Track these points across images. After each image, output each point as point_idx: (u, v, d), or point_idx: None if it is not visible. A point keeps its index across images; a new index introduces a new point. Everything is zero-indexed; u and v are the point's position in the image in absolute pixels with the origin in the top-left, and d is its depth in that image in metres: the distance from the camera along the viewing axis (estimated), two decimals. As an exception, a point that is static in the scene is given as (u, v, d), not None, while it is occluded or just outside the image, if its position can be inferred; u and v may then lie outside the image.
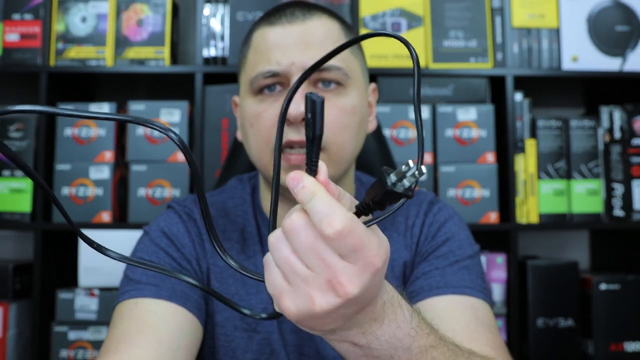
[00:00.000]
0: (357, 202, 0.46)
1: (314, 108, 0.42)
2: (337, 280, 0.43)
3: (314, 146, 0.43)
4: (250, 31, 0.82)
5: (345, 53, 0.79)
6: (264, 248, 0.83)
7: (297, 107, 0.71)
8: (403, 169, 0.41)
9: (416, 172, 0.41)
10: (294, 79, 0.74)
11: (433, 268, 0.79)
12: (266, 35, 0.77)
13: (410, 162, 0.42)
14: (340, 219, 0.41)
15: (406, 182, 0.41)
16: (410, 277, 0.82)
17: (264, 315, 0.52)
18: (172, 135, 0.41)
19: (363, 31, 1.53)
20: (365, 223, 0.44)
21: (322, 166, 0.45)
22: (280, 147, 0.48)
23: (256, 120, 0.77)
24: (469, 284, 0.77)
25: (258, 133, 0.77)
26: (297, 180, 0.44)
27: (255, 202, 0.88)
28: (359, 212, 0.44)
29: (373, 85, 0.88)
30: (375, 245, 0.43)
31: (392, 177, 0.41)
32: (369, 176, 0.95)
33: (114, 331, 0.72)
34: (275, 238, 0.45)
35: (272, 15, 0.79)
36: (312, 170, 0.44)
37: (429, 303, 0.75)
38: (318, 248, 0.42)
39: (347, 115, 0.77)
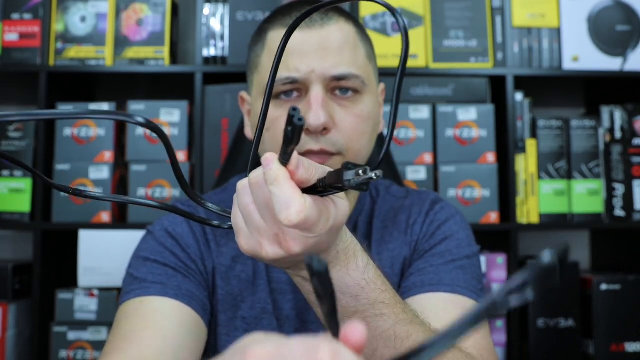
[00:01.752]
0: (327, 172, 0.50)
1: (294, 130, 0.45)
2: (284, 237, 0.49)
3: (288, 148, 0.47)
4: (264, 30, 0.81)
5: (363, 59, 0.79)
6: None
7: (317, 118, 0.72)
8: (360, 172, 0.45)
9: (373, 175, 0.44)
10: (313, 86, 0.74)
11: (428, 265, 0.79)
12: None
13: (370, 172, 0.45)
14: (297, 212, 0.46)
15: (360, 180, 0.45)
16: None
17: (225, 227, 0.59)
18: (139, 119, 0.43)
19: (363, 31, 1.53)
20: (325, 192, 0.49)
21: (294, 158, 0.48)
22: (264, 121, 0.53)
23: (272, 124, 0.76)
24: (463, 283, 0.77)
25: (274, 138, 0.76)
26: (268, 162, 0.49)
27: None
28: (316, 187, 0.49)
29: (382, 86, 0.89)
30: (324, 221, 0.49)
31: (349, 174, 0.45)
32: (397, 187, 0.95)
33: (118, 330, 0.72)
34: (241, 185, 0.52)
35: (287, 16, 0.78)
36: (285, 160, 0.48)
37: (419, 299, 0.75)
38: (272, 207, 0.48)
39: (363, 122, 0.77)
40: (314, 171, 0.50)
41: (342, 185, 0.45)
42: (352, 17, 0.82)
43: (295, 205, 0.46)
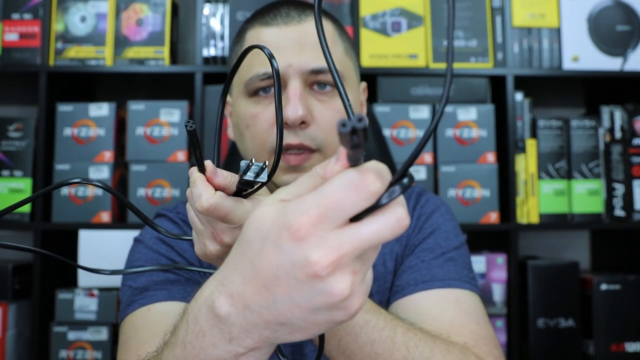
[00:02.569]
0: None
1: (193, 139, 0.53)
2: (217, 234, 0.56)
3: (199, 161, 0.56)
4: (243, 30, 0.81)
5: (341, 54, 0.79)
6: None
7: (295, 111, 0.72)
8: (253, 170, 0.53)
9: (261, 177, 0.53)
10: (291, 81, 0.74)
11: (419, 261, 0.79)
12: (261, 36, 0.76)
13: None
14: (206, 199, 0.53)
15: (250, 177, 0.53)
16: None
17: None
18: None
19: (363, 31, 1.53)
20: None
21: (208, 164, 0.56)
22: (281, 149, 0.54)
23: (252, 121, 0.77)
24: (454, 275, 0.77)
25: (255, 135, 0.77)
26: (190, 172, 0.57)
27: None
28: (239, 190, 0.56)
29: (364, 85, 0.88)
30: (241, 211, 0.54)
31: (249, 175, 0.53)
32: None
33: (129, 344, 0.69)
34: (188, 205, 0.60)
35: (265, 15, 0.78)
36: (201, 167, 0.56)
37: (414, 299, 0.75)
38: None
39: (341, 117, 0.76)
40: (232, 179, 0.56)
41: (244, 182, 0.54)
42: (332, 15, 0.82)
43: (205, 194, 0.53)
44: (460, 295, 0.75)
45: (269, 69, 0.74)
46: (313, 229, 0.35)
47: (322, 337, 0.53)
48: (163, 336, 0.53)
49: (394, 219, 0.35)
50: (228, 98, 0.86)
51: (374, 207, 0.36)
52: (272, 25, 0.76)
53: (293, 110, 0.72)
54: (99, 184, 0.58)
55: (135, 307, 0.73)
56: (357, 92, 0.83)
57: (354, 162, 0.36)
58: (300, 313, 0.37)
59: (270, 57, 0.52)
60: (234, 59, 0.82)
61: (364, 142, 0.35)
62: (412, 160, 0.37)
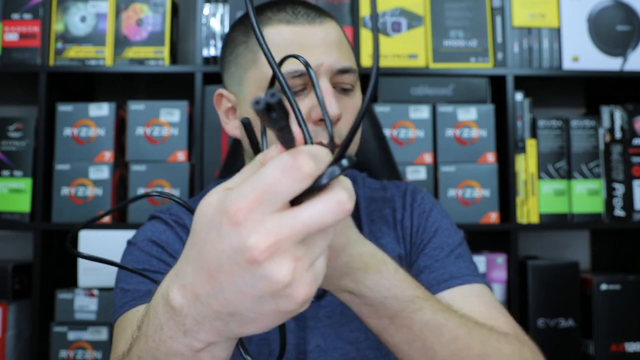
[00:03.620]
0: None
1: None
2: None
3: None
4: (261, 22, 0.79)
5: (352, 55, 0.81)
6: None
7: (334, 108, 0.73)
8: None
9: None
10: (322, 79, 0.75)
11: (434, 261, 0.80)
12: (286, 34, 0.76)
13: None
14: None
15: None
16: (410, 271, 0.82)
17: None
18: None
19: (363, 31, 1.53)
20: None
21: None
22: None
23: None
24: (467, 271, 0.79)
25: None
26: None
27: None
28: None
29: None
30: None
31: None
32: (371, 179, 0.95)
33: (119, 345, 0.70)
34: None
35: (282, 12, 0.78)
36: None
37: (440, 299, 0.75)
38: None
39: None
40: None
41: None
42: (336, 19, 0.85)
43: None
44: (479, 290, 0.77)
45: (299, 67, 0.75)
46: (250, 213, 0.34)
47: (282, 330, 0.48)
48: (132, 333, 0.53)
49: (335, 202, 0.35)
50: (228, 94, 0.84)
51: (314, 189, 0.35)
52: (295, 24, 0.77)
53: (332, 107, 0.73)
54: (178, 200, 0.54)
55: (125, 308, 0.74)
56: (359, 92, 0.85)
57: (287, 145, 0.36)
58: (246, 302, 0.37)
59: (307, 66, 0.50)
60: (248, 55, 0.79)
61: (286, 119, 0.34)
62: (348, 140, 0.36)
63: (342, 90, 0.79)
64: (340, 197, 0.35)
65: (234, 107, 0.84)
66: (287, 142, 0.36)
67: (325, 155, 0.36)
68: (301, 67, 0.74)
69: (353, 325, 0.80)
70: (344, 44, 0.80)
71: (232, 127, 0.86)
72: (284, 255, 0.35)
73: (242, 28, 0.83)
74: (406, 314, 0.59)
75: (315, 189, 0.35)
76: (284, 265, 0.35)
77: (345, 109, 0.78)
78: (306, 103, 0.76)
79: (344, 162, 0.36)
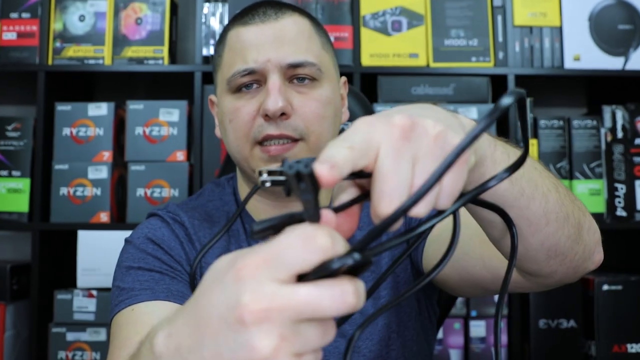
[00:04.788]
0: None
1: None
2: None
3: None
4: (224, 31, 0.84)
5: (318, 48, 0.81)
6: (250, 244, 0.83)
7: (275, 103, 0.74)
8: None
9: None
10: (270, 75, 0.77)
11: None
12: (241, 35, 0.79)
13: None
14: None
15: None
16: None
17: None
18: None
19: (364, 30, 1.52)
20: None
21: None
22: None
23: (235, 115, 0.79)
24: None
25: (237, 127, 0.79)
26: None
27: (238, 202, 0.88)
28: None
29: (344, 79, 0.90)
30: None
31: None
32: None
33: (115, 343, 0.71)
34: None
35: (245, 15, 0.81)
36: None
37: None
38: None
39: (323, 106, 0.79)
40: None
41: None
42: (307, 13, 0.85)
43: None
44: None
45: (249, 65, 0.77)
46: (254, 271, 0.34)
47: None
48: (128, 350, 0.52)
49: (338, 291, 0.33)
50: (214, 98, 0.89)
51: (322, 272, 0.33)
52: (250, 24, 0.79)
53: (273, 102, 0.74)
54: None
55: (121, 307, 0.75)
56: (337, 85, 0.86)
57: (311, 220, 0.35)
58: None
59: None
60: (217, 58, 0.84)
61: (315, 194, 0.33)
62: (370, 238, 0.34)
63: (300, 81, 0.79)
64: (346, 288, 0.33)
65: (218, 110, 0.87)
66: (311, 217, 0.35)
67: (342, 242, 0.35)
68: (251, 65, 0.77)
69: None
70: (303, 37, 0.80)
71: (217, 130, 0.89)
72: (271, 326, 0.33)
73: (220, 35, 0.86)
74: (541, 196, 0.55)
75: (322, 273, 0.34)
76: (269, 337, 0.33)
77: (302, 102, 0.78)
78: (257, 99, 0.77)
79: (357, 256, 0.33)
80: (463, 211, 0.74)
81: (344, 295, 0.33)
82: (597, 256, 0.67)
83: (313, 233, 0.34)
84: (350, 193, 0.40)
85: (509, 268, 0.51)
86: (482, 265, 0.70)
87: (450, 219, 0.44)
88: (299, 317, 0.34)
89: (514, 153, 0.52)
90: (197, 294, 0.38)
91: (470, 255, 0.70)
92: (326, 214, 0.37)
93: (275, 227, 0.37)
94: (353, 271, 0.34)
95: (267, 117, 0.75)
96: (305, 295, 0.33)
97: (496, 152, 0.51)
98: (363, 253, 0.34)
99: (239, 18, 0.82)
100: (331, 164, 0.35)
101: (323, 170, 0.34)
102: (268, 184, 0.39)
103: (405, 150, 0.38)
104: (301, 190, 0.33)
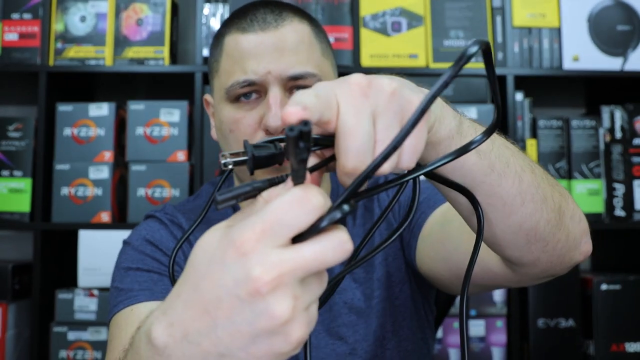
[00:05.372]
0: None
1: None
2: None
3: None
4: (221, 35, 0.82)
5: (318, 56, 0.80)
6: None
7: (277, 119, 0.73)
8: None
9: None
10: (271, 87, 0.75)
11: (419, 211, 0.82)
12: (239, 43, 0.77)
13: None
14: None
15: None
16: (407, 238, 0.84)
17: None
18: None
19: (363, 31, 1.53)
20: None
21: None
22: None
23: (235, 126, 0.78)
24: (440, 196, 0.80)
25: (238, 139, 0.78)
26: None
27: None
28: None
29: None
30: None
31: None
32: None
33: (114, 343, 0.71)
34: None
35: (242, 20, 0.79)
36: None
37: (437, 213, 0.78)
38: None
39: None
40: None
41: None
42: (306, 14, 0.83)
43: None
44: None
45: (249, 76, 0.75)
46: (257, 244, 0.35)
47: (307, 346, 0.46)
48: (119, 354, 0.51)
49: (337, 241, 0.35)
50: (210, 99, 0.88)
51: (315, 230, 0.36)
52: (249, 31, 0.77)
53: (274, 118, 0.73)
54: None
55: (120, 307, 0.75)
56: None
57: (297, 181, 0.37)
58: (240, 341, 0.36)
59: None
60: (213, 63, 0.83)
61: (308, 153, 0.35)
62: (356, 185, 0.37)
63: None
64: (342, 236, 0.36)
65: (214, 112, 0.86)
66: (299, 177, 0.37)
67: (328, 198, 0.37)
68: (251, 77, 0.75)
69: (341, 321, 0.81)
70: (303, 46, 0.78)
71: (213, 132, 0.89)
72: (285, 290, 0.35)
73: (215, 36, 0.84)
74: (514, 173, 0.55)
75: (315, 232, 0.36)
76: (285, 300, 0.35)
77: None
78: (257, 111, 0.76)
79: (345, 207, 0.36)
80: (448, 205, 0.75)
81: (343, 243, 0.36)
82: (585, 246, 0.66)
83: (306, 194, 0.35)
84: (313, 161, 0.42)
85: (476, 245, 0.51)
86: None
87: (445, 231, 0.47)
88: (307, 274, 0.36)
89: (482, 129, 0.51)
90: (188, 278, 0.38)
91: (459, 250, 0.70)
92: (309, 175, 0.39)
93: (239, 196, 0.38)
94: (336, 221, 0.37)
95: (268, 131, 0.74)
96: (311, 253, 0.35)
97: (463, 126, 0.51)
98: (350, 203, 0.36)
99: (236, 21, 0.80)
100: (303, 106, 0.37)
101: (297, 109, 0.36)
102: (230, 166, 0.42)
103: (365, 107, 0.40)
104: (299, 151, 0.35)
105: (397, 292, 0.84)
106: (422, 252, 0.80)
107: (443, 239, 0.74)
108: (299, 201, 0.35)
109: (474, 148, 0.45)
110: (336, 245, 0.35)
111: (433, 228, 0.78)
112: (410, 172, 0.44)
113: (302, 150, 0.35)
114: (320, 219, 0.36)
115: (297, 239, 0.36)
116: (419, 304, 0.86)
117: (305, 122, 0.34)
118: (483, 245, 0.62)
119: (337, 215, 0.36)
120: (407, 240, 0.83)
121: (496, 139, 0.55)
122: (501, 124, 1.51)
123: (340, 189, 0.89)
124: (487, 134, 0.45)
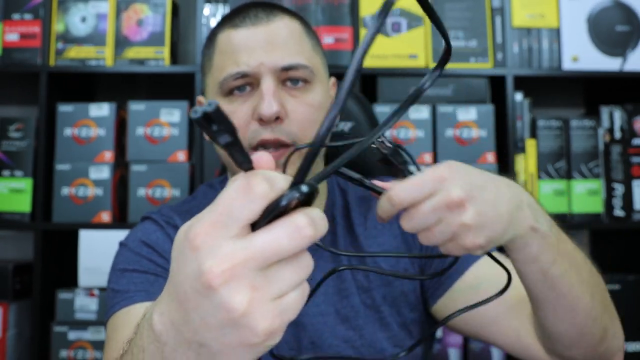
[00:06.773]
0: None
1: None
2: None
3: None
4: (213, 34, 0.83)
5: (309, 50, 0.81)
6: None
7: (270, 107, 0.74)
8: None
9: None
10: (264, 78, 0.76)
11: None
12: (231, 38, 0.79)
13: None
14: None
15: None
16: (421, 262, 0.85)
17: None
18: None
19: (363, 31, 1.53)
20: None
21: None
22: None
23: (230, 119, 0.78)
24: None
25: None
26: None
27: None
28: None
29: (333, 80, 0.90)
30: None
31: None
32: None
33: (111, 344, 0.71)
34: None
35: (235, 18, 0.80)
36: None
37: (470, 274, 0.81)
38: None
39: (316, 111, 0.79)
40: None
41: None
42: (299, 16, 0.84)
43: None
44: (486, 259, 0.83)
45: (241, 68, 0.76)
46: (207, 237, 0.34)
47: None
48: (123, 345, 0.52)
49: (292, 226, 0.34)
50: (203, 100, 0.88)
51: (273, 212, 0.34)
52: (241, 27, 0.79)
53: (267, 106, 0.74)
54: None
55: (116, 308, 0.75)
56: (327, 87, 0.85)
57: (243, 167, 0.35)
58: (210, 332, 0.36)
59: None
60: (206, 62, 0.84)
61: (232, 134, 0.33)
62: (307, 163, 0.34)
63: (293, 83, 0.78)
64: (299, 221, 0.34)
65: None
66: (241, 163, 0.35)
67: (281, 180, 0.35)
68: (243, 68, 0.76)
69: (348, 325, 0.81)
70: (294, 39, 0.79)
71: None
72: (239, 282, 0.34)
73: (208, 37, 0.85)
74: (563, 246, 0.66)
75: (277, 215, 0.34)
76: (239, 292, 0.34)
77: (296, 106, 0.77)
78: (251, 102, 0.77)
79: (304, 188, 0.34)
80: (479, 265, 0.82)
81: (300, 229, 0.34)
82: (617, 358, 0.78)
83: (249, 182, 0.34)
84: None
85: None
86: (516, 338, 0.77)
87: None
88: (265, 263, 0.34)
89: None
90: (171, 270, 0.38)
91: (500, 324, 0.78)
92: (259, 157, 0.37)
93: None
94: (306, 202, 0.35)
95: (262, 121, 0.75)
96: (262, 243, 0.34)
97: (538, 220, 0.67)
98: (309, 183, 0.34)
99: (228, 20, 0.81)
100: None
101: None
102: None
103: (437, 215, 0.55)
104: (216, 133, 0.32)
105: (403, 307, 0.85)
106: (445, 305, 0.82)
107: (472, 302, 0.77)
108: (242, 190, 0.34)
109: (424, 90, 0.51)
110: (291, 231, 0.34)
111: (464, 290, 0.81)
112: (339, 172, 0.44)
113: (218, 132, 0.32)
114: (279, 199, 0.34)
115: (258, 224, 0.35)
116: (408, 322, 0.87)
117: (209, 102, 0.31)
118: (532, 334, 0.76)
119: (295, 194, 0.34)
120: (433, 286, 0.84)
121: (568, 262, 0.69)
122: (501, 124, 1.52)
123: (337, 202, 0.89)
124: (439, 67, 0.47)
